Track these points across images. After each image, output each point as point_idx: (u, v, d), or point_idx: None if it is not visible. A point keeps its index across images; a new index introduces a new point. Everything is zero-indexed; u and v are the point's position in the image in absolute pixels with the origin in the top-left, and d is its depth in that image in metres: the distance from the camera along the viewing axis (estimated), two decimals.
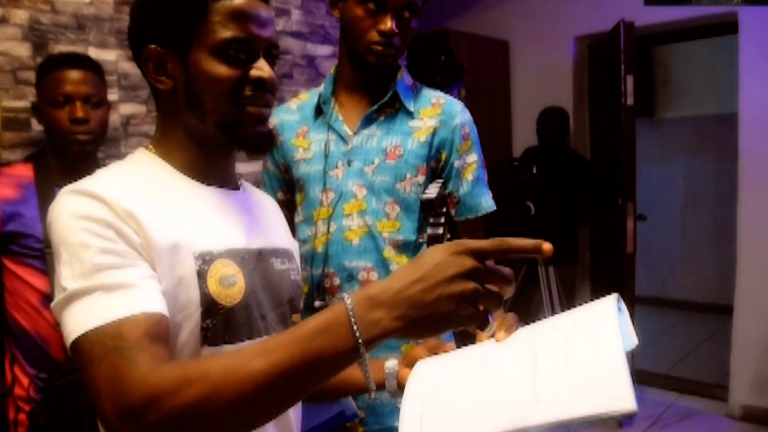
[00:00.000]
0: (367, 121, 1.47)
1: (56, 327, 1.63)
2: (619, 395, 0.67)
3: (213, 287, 0.84)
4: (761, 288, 3.51)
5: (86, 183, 0.82)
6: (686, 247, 5.75)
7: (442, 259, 0.67)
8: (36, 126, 1.92)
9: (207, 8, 0.86)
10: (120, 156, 2.11)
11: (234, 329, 0.86)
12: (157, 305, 0.76)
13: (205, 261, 0.84)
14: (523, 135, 4.34)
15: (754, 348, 3.48)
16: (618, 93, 3.53)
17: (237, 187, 1.00)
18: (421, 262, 0.68)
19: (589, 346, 0.81)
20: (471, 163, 1.50)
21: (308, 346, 0.66)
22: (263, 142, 0.91)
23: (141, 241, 0.79)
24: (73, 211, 0.77)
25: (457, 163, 1.48)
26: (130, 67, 2.13)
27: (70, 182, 0.83)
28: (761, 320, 3.43)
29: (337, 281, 1.43)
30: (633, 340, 0.82)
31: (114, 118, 2.06)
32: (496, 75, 4.37)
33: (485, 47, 4.29)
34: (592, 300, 0.90)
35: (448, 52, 3.03)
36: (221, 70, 0.86)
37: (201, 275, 0.83)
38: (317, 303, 1.42)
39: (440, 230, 1.47)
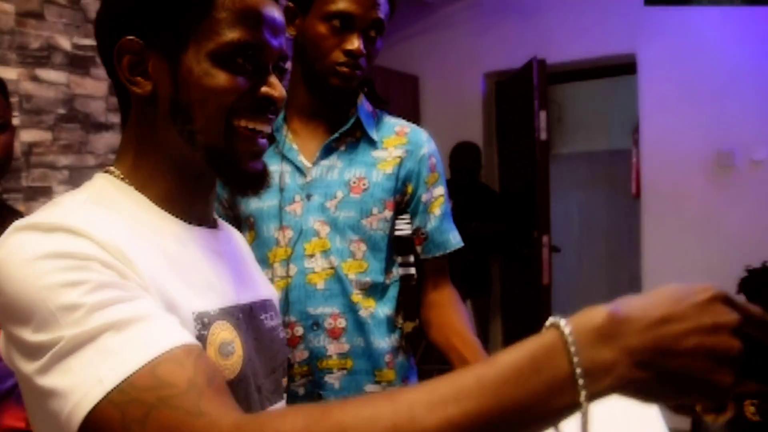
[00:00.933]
0: (327, 151, 1.33)
1: None
2: None
3: (212, 357, 0.66)
4: None
5: (52, 215, 0.61)
6: (582, 277, 5.97)
7: (702, 299, 0.48)
8: None
9: (211, 1, 0.68)
10: (20, 190, 1.84)
11: None
12: (190, 337, 0.58)
13: (203, 324, 0.67)
14: None
15: None
16: (530, 128, 3.62)
17: (215, 225, 0.82)
18: (671, 295, 0.49)
19: (625, 416, 0.75)
20: (438, 196, 1.40)
21: (504, 396, 0.46)
22: (257, 181, 0.74)
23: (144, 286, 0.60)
24: (41, 251, 0.57)
25: (424, 197, 1.37)
26: (34, 88, 1.87)
27: None
28: None
29: (299, 331, 1.27)
30: None
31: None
32: (406, 109, 4.36)
33: (395, 81, 4.28)
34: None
35: (369, 84, 2.95)
36: (223, 79, 0.68)
37: (201, 342, 0.65)
38: None
39: (411, 270, 1.36)
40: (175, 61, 0.69)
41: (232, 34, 0.68)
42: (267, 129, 0.74)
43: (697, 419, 0.64)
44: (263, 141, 0.74)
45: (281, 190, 1.31)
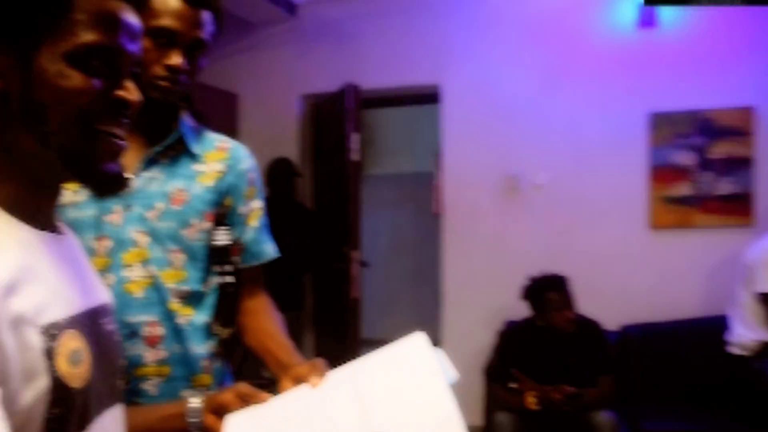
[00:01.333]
0: (149, 163, 1.36)
1: None
2: (450, 426, 0.75)
3: (63, 367, 0.66)
4: (463, 323, 4.04)
5: None
6: (390, 290, 6.33)
7: None
8: None
9: (69, 1, 0.68)
10: None
11: (81, 417, 0.70)
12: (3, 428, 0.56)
13: (52, 336, 0.66)
14: None
15: (461, 375, 3.96)
16: (343, 149, 3.81)
17: (59, 230, 0.81)
18: None
19: (414, 383, 0.87)
20: (255, 209, 1.48)
21: None
22: (115, 182, 0.76)
23: None
24: None
25: (242, 210, 1.45)
26: None
27: None
28: (465, 351, 3.91)
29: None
30: (453, 374, 0.90)
31: None
32: (224, 126, 4.36)
33: (214, 98, 4.27)
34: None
35: (187, 99, 2.94)
36: (78, 81, 0.68)
37: (49, 354, 0.65)
38: None
39: (230, 278, 1.43)
40: (27, 60, 0.67)
41: (88, 36, 0.68)
42: (120, 132, 0.75)
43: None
44: (121, 143, 0.75)
45: (99, 200, 1.32)
